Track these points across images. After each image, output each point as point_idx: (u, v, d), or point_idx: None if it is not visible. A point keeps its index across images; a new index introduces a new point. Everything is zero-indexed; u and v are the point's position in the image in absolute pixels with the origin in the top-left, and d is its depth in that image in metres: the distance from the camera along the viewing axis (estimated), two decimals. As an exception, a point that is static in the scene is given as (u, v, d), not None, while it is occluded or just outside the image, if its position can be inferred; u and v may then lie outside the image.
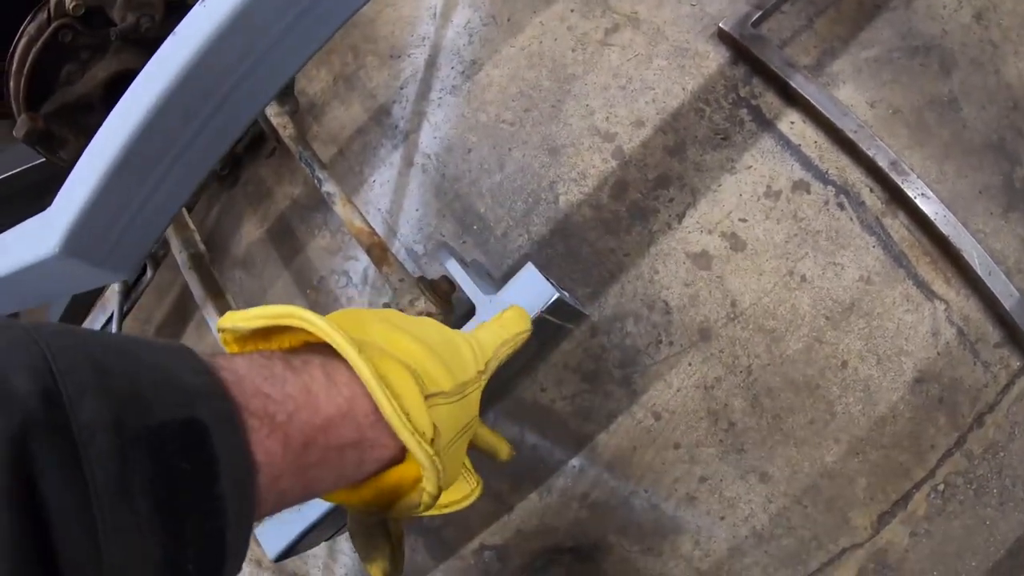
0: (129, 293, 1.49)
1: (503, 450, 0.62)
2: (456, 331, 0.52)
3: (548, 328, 0.79)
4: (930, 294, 1.00)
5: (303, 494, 0.35)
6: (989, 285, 0.96)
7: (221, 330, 0.39)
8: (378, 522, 0.46)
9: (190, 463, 0.28)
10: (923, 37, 1.07)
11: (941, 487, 0.97)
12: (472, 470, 0.53)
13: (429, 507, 0.40)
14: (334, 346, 0.37)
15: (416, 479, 0.39)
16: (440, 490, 0.39)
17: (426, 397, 0.40)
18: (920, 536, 0.97)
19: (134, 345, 0.30)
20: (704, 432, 1.03)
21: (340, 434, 0.36)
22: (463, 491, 0.51)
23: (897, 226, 1.02)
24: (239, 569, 0.31)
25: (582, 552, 1.06)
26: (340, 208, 0.99)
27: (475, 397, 0.48)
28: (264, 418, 0.32)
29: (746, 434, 1.02)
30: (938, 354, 0.98)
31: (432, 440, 0.38)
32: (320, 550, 1.22)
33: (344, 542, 1.20)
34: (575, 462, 1.08)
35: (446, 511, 0.48)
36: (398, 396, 0.37)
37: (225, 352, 0.38)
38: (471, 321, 0.74)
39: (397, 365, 0.39)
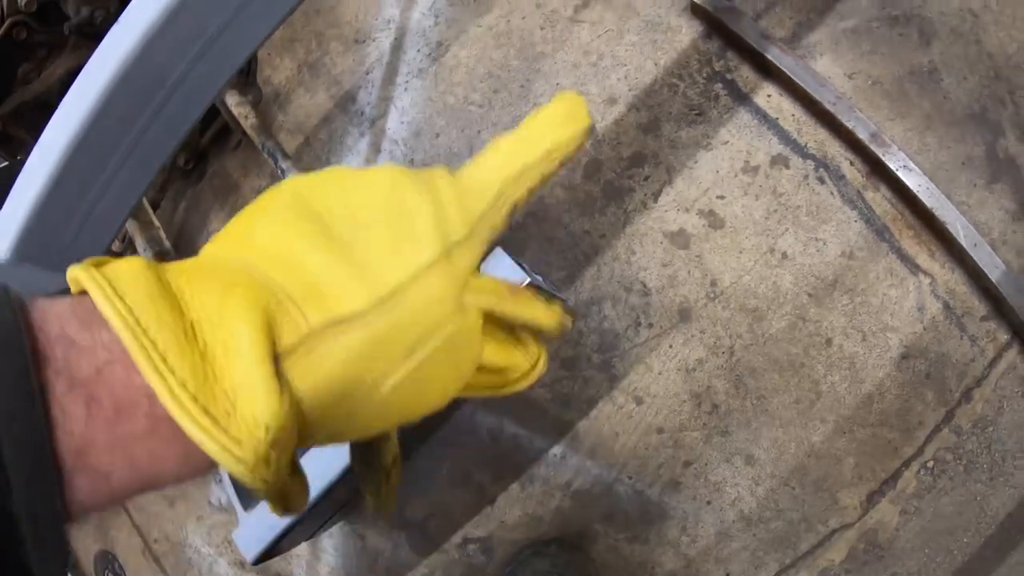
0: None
1: (552, 320, 0.35)
2: (426, 178, 0.33)
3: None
4: (914, 268, 0.98)
5: (137, 477, 0.27)
6: (974, 257, 0.95)
7: None
8: (366, 448, 0.38)
9: None
10: (902, 6, 1.05)
11: (931, 464, 0.96)
12: (532, 339, 0.36)
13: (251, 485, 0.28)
14: (90, 294, 0.27)
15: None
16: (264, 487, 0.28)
17: (305, 337, 0.28)
18: (910, 514, 0.96)
19: None
20: (687, 415, 1.01)
21: None
22: (521, 366, 0.35)
23: (879, 199, 1.00)
24: (64, 564, 0.25)
25: (567, 542, 1.05)
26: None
27: (429, 294, 0.30)
28: (63, 370, 0.25)
29: (730, 416, 1.00)
30: (924, 329, 0.97)
31: (275, 435, 0.26)
32: (302, 549, 1.20)
33: (327, 539, 1.18)
34: (556, 450, 1.06)
35: (502, 392, 0.36)
36: (215, 357, 0.27)
37: None
38: None
39: (241, 309, 0.27)
